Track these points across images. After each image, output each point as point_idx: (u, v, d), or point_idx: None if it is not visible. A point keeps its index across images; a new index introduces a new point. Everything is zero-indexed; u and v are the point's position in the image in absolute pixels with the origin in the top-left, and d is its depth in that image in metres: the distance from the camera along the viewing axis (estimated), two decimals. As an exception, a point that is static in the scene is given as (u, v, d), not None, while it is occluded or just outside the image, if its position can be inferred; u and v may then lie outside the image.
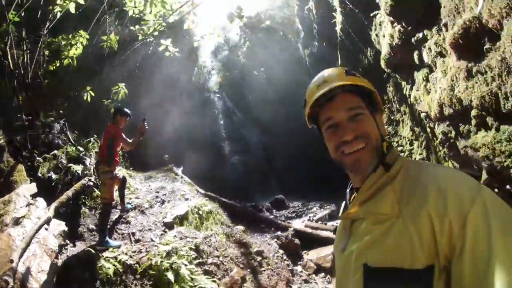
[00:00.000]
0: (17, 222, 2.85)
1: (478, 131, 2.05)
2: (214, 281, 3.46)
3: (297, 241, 5.37)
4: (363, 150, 0.71)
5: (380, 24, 3.68)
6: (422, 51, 2.87)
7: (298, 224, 6.29)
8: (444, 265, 0.58)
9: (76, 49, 3.63)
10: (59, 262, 2.98)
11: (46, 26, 4.22)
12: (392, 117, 4.75)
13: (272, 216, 6.95)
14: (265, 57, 9.20)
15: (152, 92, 7.15)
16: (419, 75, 3.20)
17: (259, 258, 4.58)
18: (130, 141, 3.82)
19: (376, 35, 3.92)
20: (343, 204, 0.86)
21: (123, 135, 3.78)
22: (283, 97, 9.95)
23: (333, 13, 4.91)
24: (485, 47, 1.71)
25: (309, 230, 5.78)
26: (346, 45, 5.05)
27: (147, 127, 3.88)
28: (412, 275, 0.59)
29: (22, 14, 3.87)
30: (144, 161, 6.75)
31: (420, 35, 2.74)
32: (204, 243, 4.04)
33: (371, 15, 3.57)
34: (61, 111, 4.69)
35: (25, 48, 4.35)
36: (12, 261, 2.32)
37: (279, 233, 5.68)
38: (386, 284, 0.63)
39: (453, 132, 2.52)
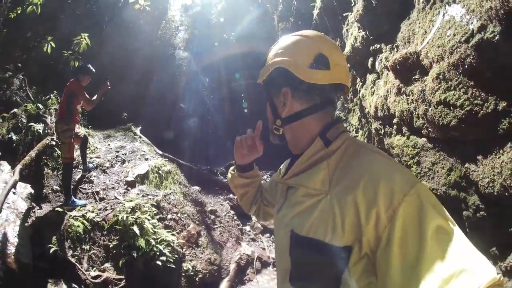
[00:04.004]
0: (-16, 189, 2.71)
1: (396, 135, 2.74)
2: (173, 235, 3.77)
3: (247, 203, 6.04)
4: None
5: (349, 24, 4.08)
6: (376, 59, 3.40)
7: (250, 189, 6.87)
8: (366, 252, 0.59)
9: (41, -5, 3.17)
10: (30, 225, 3.00)
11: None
12: (346, 105, 5.14)
13: (225, 180, 7.16)
14: (238, 22, 8.83)
15: (115, 45, 6.49)
16: (369, 77, 3.74)
17: (212, 217, 5.06)
18: (92, 99, 3.67)
19: (347, 30, 4.32)
20: (282, 167, 0.93)
21: (85, 93, 3.63)
22: (250, 65, 9.90)
23: (314, -4, 5.03)
24: (414, 77, 2.26)
25: (259, 196, 6.40)
26: (319, 31, 5.33)
27: (109, 87, 3.78)
28: (331, 249, 0.62)
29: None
30: (102, 119, 6.39)
31: (378, 46, 3.18)
32: (164, 201, 4.31)
33: (344, 15, 3.91)
34: (19, 64, 4.08)
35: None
36: (-11, 228, 2.29)
37: (231, 195, 6.09)
38: (308, 252, 0.66)
39: (382, 130, 3.22)
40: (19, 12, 3.48)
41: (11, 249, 2.48)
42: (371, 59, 3.44)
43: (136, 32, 7.61)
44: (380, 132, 3.40)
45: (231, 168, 1.14)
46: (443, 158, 1.96)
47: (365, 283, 0.59)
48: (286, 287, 0.71)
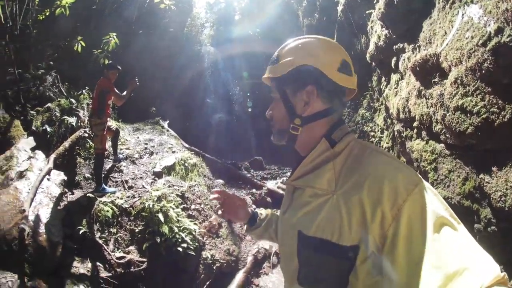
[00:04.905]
0: (21, 175, 3.03)
1: (416, 138, 2.63)
2: (196, 224, 3.91)
3: (269, 199, 5.93)
4: (272, 128, 0.82)
5: (374, 21, 3.91)
6: (399, 59, 3.24)
7: (271, 184, 6.75)
8: (372, 251, 0.59)
9: (69, -3, 3.44)
10: (62, 208, 3.27)
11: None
12: (372, 104, 4.97)
13: (249, 175, 7.34)
14: (262, 19, 8.79)
15: (142, 43, 6.84)
16: (393, 77, 3.57)
17: (234, 210, 5.31)
18: (122, 95, 3.93)
19: (371, 27, 4.14)
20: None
21: (115, 89, 3.90)
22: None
23: (338, -8, 4.88)
24: (433, 80, 2.15)
25: (281, 192, 6.22)
26: (344, 27, 5.15)
27: (138, 83, 4.04)
28: (338, 249, 0.62)
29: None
30: (132, 113, 6.78)
31: (401, 45, 3.03)
32: (189, 192, 4.47)
33: (367, 12, 3.76)
34: (51, 62, 4.49)
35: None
36: (24, 210, 2.58)
37: (254, 190, 6.17)
38: (316, 252, 0.67)
39: (404, 133, 3.09)
40: (47, 14, 3.75)
41: (43, 229, 2.74)
42: (394, 58, 3.29)
43: (162, 30, 7.88)
44: (402, 134, 3.27)
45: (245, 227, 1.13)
46: (459, 166, 1.87)
47: (372, 282, 0.60)
48: None
